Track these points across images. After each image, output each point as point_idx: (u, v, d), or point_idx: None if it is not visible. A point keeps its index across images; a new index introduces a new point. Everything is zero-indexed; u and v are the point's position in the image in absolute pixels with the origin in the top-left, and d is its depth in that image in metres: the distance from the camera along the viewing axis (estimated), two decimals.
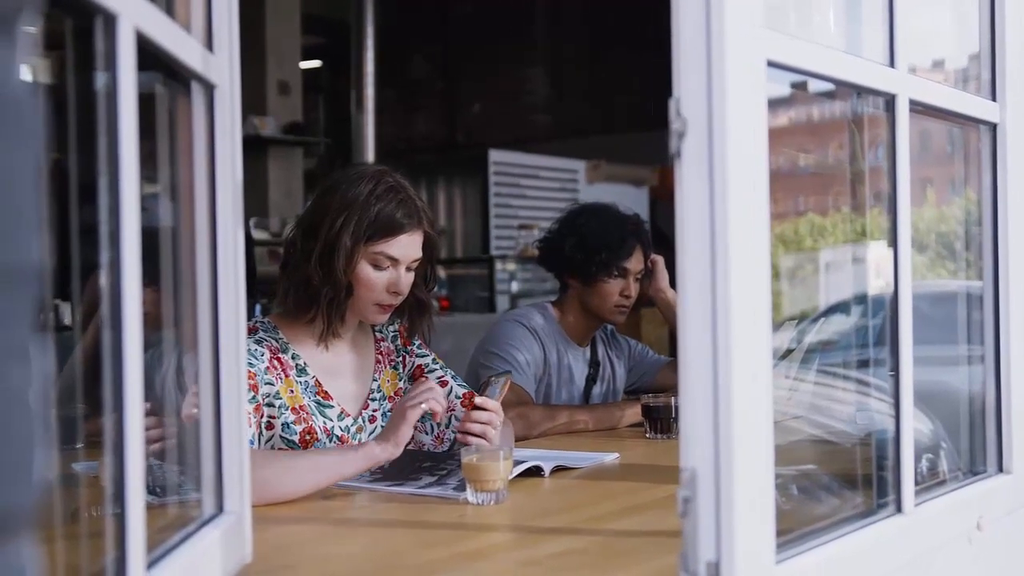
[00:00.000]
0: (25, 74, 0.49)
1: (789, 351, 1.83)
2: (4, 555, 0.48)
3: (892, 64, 1.41)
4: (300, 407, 2.06)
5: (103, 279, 0.94)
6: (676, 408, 2.52)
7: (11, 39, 0.47)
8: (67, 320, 2.02)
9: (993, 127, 1.69)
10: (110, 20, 0.91)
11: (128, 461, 0.92)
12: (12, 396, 0.48)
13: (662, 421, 2.52)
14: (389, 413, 2.18)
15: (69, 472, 1.38)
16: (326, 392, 2.12)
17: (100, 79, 0.93)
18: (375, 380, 2.22)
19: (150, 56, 1.02)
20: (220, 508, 1.27)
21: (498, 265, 7.05)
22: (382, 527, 1.70)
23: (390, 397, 2.23)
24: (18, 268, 0.48)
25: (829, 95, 1.63)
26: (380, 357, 2.25)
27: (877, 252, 1.74)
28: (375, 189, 2.05)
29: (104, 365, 0.94)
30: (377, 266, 2.07)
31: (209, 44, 1.25)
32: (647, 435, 2.54)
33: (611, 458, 2.23)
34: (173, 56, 1.10)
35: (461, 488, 1.81)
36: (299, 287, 2.08)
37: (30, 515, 0.50)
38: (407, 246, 2.08)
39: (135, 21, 0.95)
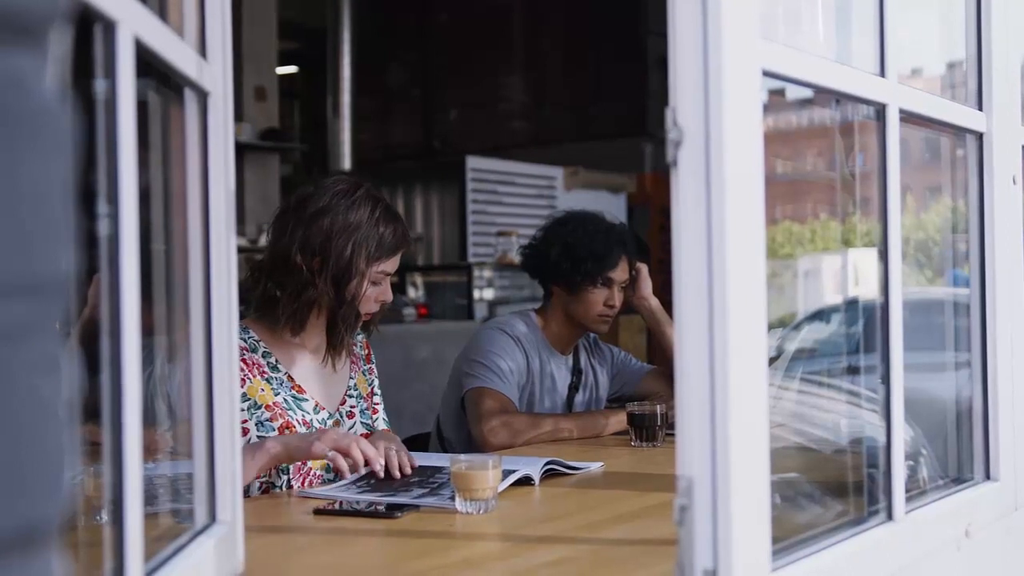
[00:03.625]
0: (55, 85, 0.48)
1: (772, 359, 1.84)
2: (38, 565, 0.48)
3: (882, 73, 1.41)
4: (274, 404, 2.10)
5: (100, 286, 0.92)
6: (661, 416, 2.52)
7: (42, 51, 0.47)
8: None
9: (980, 136, 1.70)
10: (109, 27, 0.90)
11: (127, 474, 0.91)
12: (44, 407, 0.47)
13: (647, 429, 2.52)
14: (365, 411, 2.30)
15: None
16: (299, 386, 2.18)
17: (99, 85, 0.92)
18: (352, 378, 2.30)
19: (144, 62, 1.01)
20: (213, 518, 1.26)
21: (476, 272, 7.02)
22: (373, 537, 1.69)
23: (365, 397, 2.32)
24: (50, 280, 0.47)
25: (807, 102, 1.63)
26: (354, 358, 2.34)
27: (857, 259, 1.74)
28: (374, 212, 2.16)
29: (97, 373, 0.93)
30: (376, 283, 2.18)
31: (203, 51, 1.24)
32: (632, 443, 2.54)
33: (596, 467, 2.23)
34: (169, 63, 1.09)
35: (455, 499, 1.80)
36: (308, 307, 2.13)
37: (59, 526, 0.50)
38: (398, 260, 2.22)
39: (134, 28, 0.94)
